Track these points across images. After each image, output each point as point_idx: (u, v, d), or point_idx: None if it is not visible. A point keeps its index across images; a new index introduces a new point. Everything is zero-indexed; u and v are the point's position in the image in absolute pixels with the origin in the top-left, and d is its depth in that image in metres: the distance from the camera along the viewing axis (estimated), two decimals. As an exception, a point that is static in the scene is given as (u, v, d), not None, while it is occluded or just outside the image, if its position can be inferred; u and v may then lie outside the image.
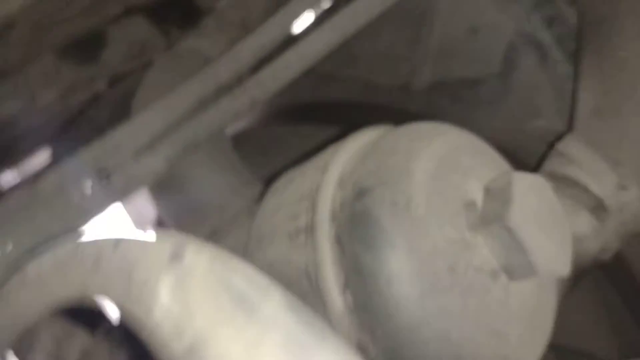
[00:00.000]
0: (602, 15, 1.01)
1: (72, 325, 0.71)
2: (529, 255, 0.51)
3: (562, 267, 0.54)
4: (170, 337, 0.32)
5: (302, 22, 0.94)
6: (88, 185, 0.69)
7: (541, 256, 0.51)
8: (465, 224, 0.53)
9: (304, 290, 0.55)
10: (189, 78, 0.95)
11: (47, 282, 0.44)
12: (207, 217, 0.84)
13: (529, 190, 0.54)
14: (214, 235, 0.79)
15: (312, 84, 1.43)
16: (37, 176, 0.67)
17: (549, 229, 0.54)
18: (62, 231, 0.63)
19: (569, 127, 0.93)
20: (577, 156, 0.81)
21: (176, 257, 0.32)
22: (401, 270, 0.50)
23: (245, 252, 0.63)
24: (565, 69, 1.26)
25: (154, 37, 1.17)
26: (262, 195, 0.87)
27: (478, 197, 0.55)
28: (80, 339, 0.69)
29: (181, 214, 0.89)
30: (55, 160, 1.18)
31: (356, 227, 0.52)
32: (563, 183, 0.82)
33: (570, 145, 0.84)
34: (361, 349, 0.53)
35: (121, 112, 1.19)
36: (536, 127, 1.31)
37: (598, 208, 0.80)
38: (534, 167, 1.30)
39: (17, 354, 0.70)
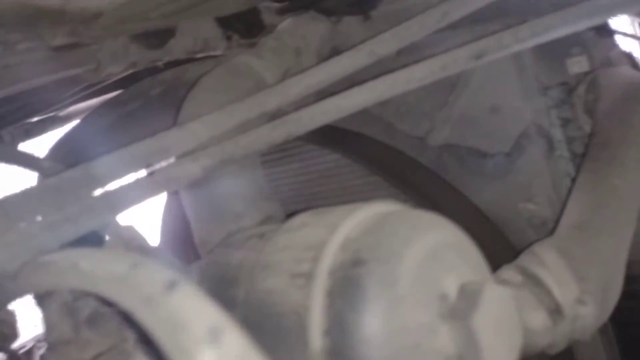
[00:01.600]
0: (609, 140, 1.12)
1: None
2: (480, 354, 0.62)
3: (505, 368, 0.65)
4: None
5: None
6: (132, 177, 0.80)
7: (491, 356, 0.63)
8: (436, 312, 0.64)
9: (291, 324, 0.66)
10: (238, 92, 1.07)
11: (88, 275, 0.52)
12: (225, 221, 0.96)
13: (496, 299, 0.66)
14: (228, 241, 0.90)
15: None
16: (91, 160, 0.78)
17: (503, 335, 0.66)
18: (107, 214, 0.74)
19: (551, 231, 1.04)
20: (549, 262, 0.93)
21: (216, 335, 0.40)
22: (374, 336, 0.61)
23: (252, 272, 0.74)
24: (568, 167, 1.38)
25: (217, 38, 1.28)
26: (279, 217, 0.99)
27: (452, 292, 0.66)
28: (94, 301, 0.80)
29: (203, 212, 1.00)
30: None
31: (347, 288, 0.64)
32: (532, 280, 0.93)
33: (546, 250, 0.95)
34: (327, 387, 0.64)
35: (172, 93, 1.31)
36: (527, 209, 1.43)
37: (555, 312, 0.91)
38: (516, 246, 1.42)
39: (37, 298, 0.81)
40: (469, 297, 0.65)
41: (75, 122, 1.50)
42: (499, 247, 1.39)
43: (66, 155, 1.38)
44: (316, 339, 0.64)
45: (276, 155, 1.77)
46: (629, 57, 1.37)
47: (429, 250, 0.67)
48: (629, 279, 1.37)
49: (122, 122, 1.34)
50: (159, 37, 1.15)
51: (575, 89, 1.33)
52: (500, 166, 1.43)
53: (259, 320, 0.70)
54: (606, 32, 1.41)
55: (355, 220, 0.71)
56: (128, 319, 0.76)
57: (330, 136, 1.52)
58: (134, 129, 1.34)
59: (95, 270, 0.52)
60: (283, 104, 0.98)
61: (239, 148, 0.90)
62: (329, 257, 0.67)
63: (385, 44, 1.05)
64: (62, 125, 1.52)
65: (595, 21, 0.93)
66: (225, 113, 0.92)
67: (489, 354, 0.63)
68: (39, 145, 1.51)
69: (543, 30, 0.96)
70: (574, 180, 1.11)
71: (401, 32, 1.06)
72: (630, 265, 1.36)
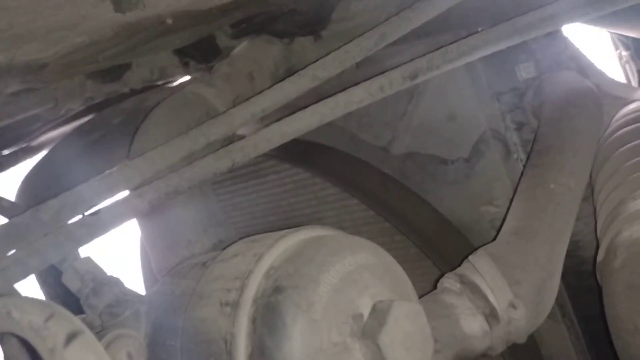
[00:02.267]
0: (549, 146, 1.17)
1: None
2: (388, 367, 0.68)
3: (415, 378, 0.71)
4: None
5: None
6: (81, 217, 0.86)
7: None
8: (349, 331, 0.70)
9: (220, 349, 0.72)
10: (188, 122, 1.12)
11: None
12: (179, 248, 1.02)
13: (404, 316, 0.71)
14: (175, 270, 0.96)
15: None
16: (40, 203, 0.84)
17: (412, 348, 0.71)
18: (54, 255, 0.80)
19: (494, 237, 1.09)
20: (483, 269, 0.98)
21: None
22: (290, 357, 0.67)
23: (190, 301, 0.80)
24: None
25: (174, 66, 1.34)
26: (230, 240, 1.05)
27: (366, 311, 0.72)
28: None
29: (157, 239, 1.06)
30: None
31: (267, 315, 0.69)
32: (469, 287, 0.98)
33: (480, 258, 1.00)
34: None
35: (132, 122, 1.36)
36: (489, 212, 1.48)
37: (491, 316, 0.96)
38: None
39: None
40: (378, 315, 0.70)
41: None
42: (462, 251, 1.43)
43: (39, 185, 1.45)
44: (241, 362, 0.70)
45: (252, 168, 1.83)
46: (578, 60, 1.41)
47: (344, 274, 0.72)
48: (581, 260, 1.43)
49: (89, 150, 1.42)
50: (115, 71, 1.21)
51: (525, 95, 1.37)
52: (461, 171, 1.48)
53: (194, 346, 0.76)
54: (557, 35, 1.45)
55: (279, 249, 0.77)
56: None
57: (290, 151, 1.57)
58: (99, 158, 1.40)
59: (21, 320, 0.58)
60: (227, 134, 1.03)
61: (184, 180, 0.95)
62: (254, 286, 0.73)
63: (327, 68, 1.10)
64: (36, 154, 1.59)
65: (514, 41, 0.98)
66: (170, 147, 0.97)
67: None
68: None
69: (469, 50, 1.01)
70: (516, 187, 1.15)
71: (341, 55, 1.11)
72: (582, 247, 1.42)
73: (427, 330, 0.75)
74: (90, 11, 0.81)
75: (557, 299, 1.50)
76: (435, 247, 1.46)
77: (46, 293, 1.64)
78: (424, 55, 1.04)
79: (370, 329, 0.70)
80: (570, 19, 1.01)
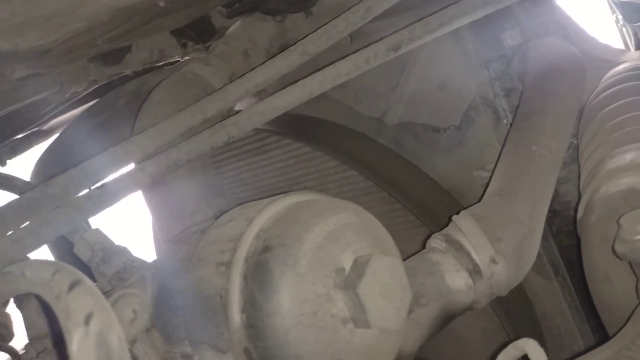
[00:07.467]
0: (531, 110, 1.22)
1: None
2: (367, 314, 0.75)
3: (394, 324, 0.77)
4: None
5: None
6: (88, 190, 0.93)
7: (376, 316, 0.75)
8: (332, 284, 0.76)
9: (216, 304, 0.79)
10: (186, 100, 1.19)
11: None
12: (182, 218, 1.09)
13: (382, 268, 0.78)
14: (178, 237, 1.03)
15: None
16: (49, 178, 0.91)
17: (390, 297, 0.78)
18: (64, 225, 0.88)
19: (480, 198, 1.14)
20: (465, 228, 1.04)
21: (88, 319, 0.55)
22: (279, 308, 0.74)
23: (189, 264, 0.87)
24: (514, 134, 1.48)
25: (172, 47, 1.40)
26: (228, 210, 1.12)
27: (348, 265, 0.78)
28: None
29: (162, 210, 1.13)
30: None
31: (257, 272, 0.76)
32: (453, 246, 1.04)
33: (463, 218, 1.06)
34: (247, 352, 0.77)
35: (136, 103, 1.43)
36: (480, 176, 1.54)
37: (474, 271, 1.02)
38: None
39: (16, 301, 0.95)
40: (359, 268, 0.77)
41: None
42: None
43: (51, 167, 1.52)
44: (235, 315, 0.77)
45: (256, 144, 1.90)
46: (565, 26, 1.45)
47: (327, 232, 0.79)
48: (572, 220, 1.48)
49: (97, 132, 1.49)
50: (116, 54, 1.27)
51: (511, 61, 1.42)
52: (453, 139, 1.54)
53: (194, 303, 0.83)
54: (544, 2, 1.48)
55: (269, 213, 0.84)
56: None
57: (291, 126, 1.63)
58: (107, 138, 1.48)
59: (33, 277, 0.65)
60: (224, 109, 1.10)
61: (183, 154, 1.02)
62: (245, 247, 0.80)
63: (316, 43, 1.15)
64: (47, 139, 1.66)
65: (489, 10, 1.03)
66: (169, 123, 1.03)
67: (375, 313, 0.75)
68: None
69: (447, 20, 1.06)
70: (500, 150, 1.21)
71: (329, 30, 1.16)
72: (573, 207, 1.47)
73: (404, 281, 0.81)
74: (86, -2, 0.87)
75: (550, 257, 1.58)
76: (429, 213, 1.51)
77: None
78: (405, 27, 1.09)
79: (350, 280, 0.76)
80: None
